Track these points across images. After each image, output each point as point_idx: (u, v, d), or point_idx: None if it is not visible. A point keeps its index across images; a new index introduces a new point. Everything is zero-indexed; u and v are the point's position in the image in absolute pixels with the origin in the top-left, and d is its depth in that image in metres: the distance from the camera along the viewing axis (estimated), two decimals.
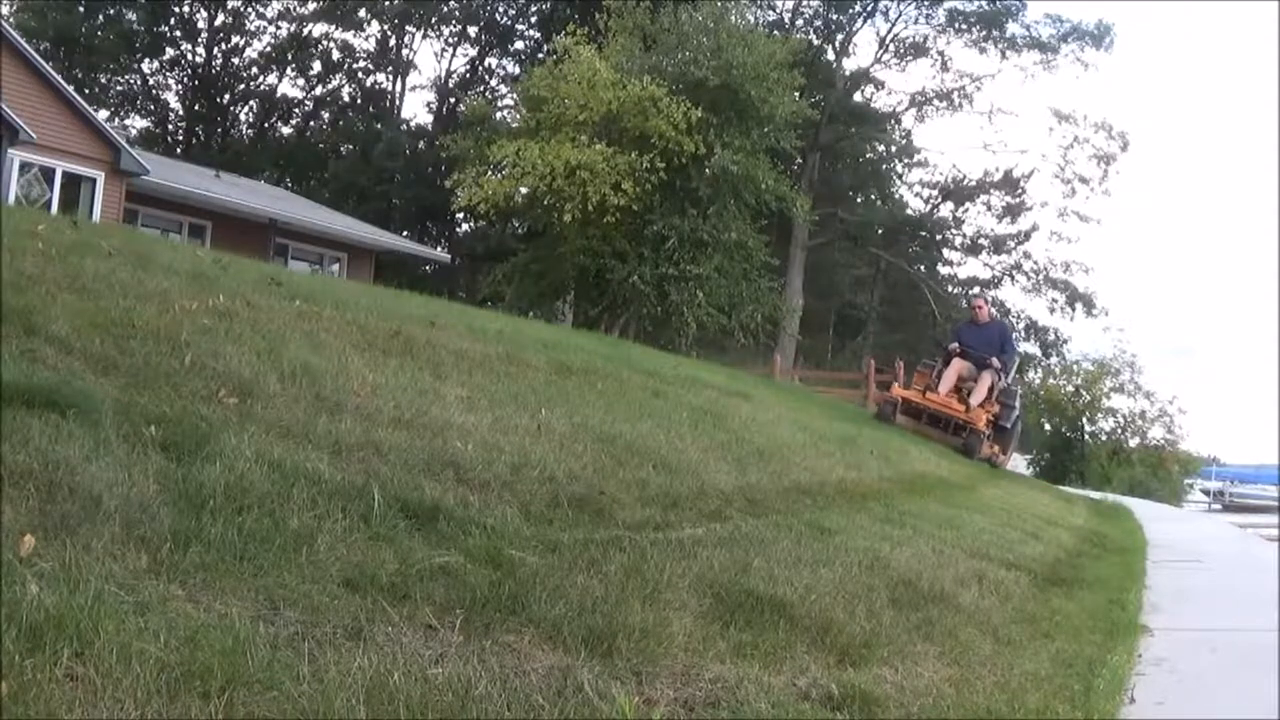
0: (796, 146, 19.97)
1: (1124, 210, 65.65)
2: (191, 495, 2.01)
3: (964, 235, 35.07)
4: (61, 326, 2.86)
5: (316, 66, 39.55)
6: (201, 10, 37.25)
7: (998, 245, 34.54)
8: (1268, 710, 2.51)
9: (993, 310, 16.00)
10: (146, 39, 36.79)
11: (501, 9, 37.05)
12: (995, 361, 11.26)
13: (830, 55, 31.52)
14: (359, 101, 40.54)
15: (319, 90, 40.64)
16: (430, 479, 2.62)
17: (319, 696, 1.45)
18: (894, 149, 33.27)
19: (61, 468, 1.90)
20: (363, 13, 36.76)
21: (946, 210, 34.94)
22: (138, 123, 38.67)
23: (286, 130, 41.52)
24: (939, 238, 35.14)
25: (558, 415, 3.79)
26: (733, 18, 19.03)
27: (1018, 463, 18.69)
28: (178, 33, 37.70)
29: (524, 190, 18.14)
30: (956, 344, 11.71)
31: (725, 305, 17.99)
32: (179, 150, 35.32)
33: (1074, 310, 33.46)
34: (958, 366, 11.40)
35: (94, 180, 18.21)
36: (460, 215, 29.57)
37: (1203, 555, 6.31)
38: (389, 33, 38.20)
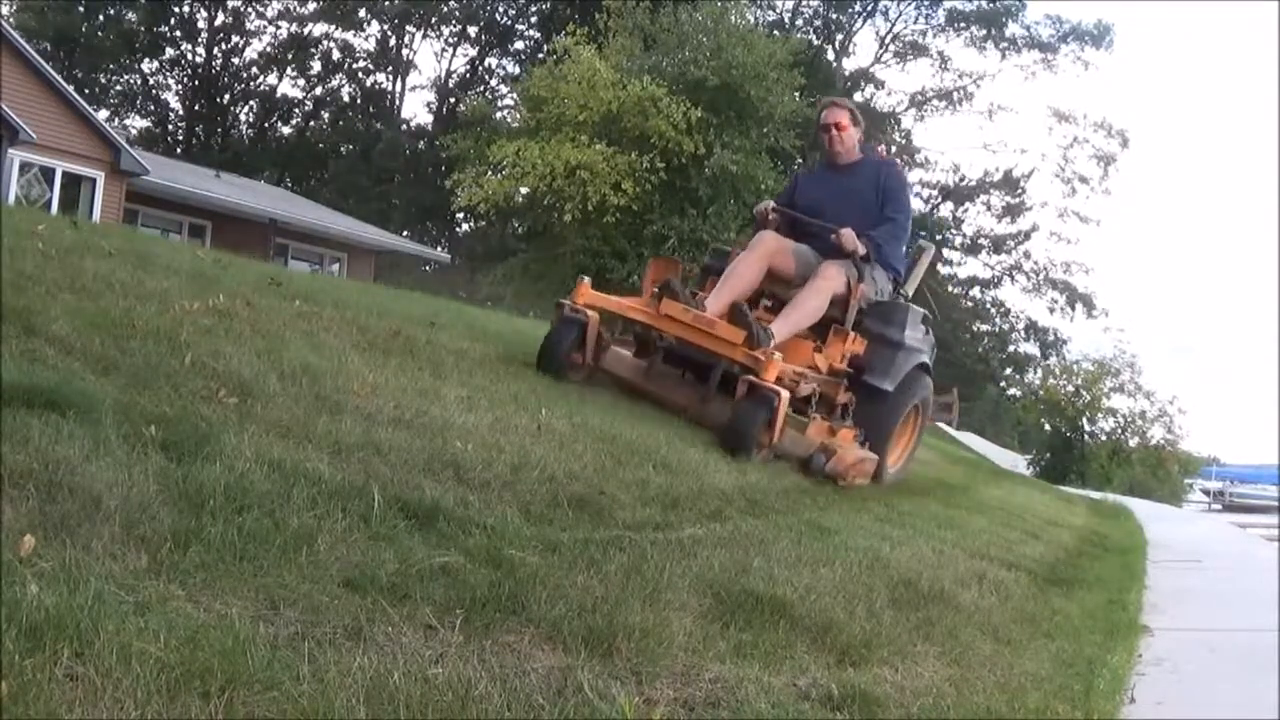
0: (796, 146, 20.00)
1: (1124, 210, 65.71)
2: (191, 495, 2.00)
3: (964, 235, 35.10)
4: (61, 326, 2.86)
5: (316, 66, 39.58)
6: (201, 10, 37.28)
7: (998, 245, 34.59)
8: (1268, 710, 2.51)
9: (877, 146, 6.49)
10: (146, 39, 36.85)
11: (501, 9, 37.10)
12: (851, 240, 5.04)
13: (830, 55, 31.54)
14: (359, 101, 40.58)
15: (319, 90, 40.68)
16: (430, 479, 2.62)
17: (319, 696, 1.45)
18: (894, 149, 33.30)
19: (61, 468, 1.90)
20: (363, 13, 36.77)
21: (946, 210, 34.96)
22: (138, 123, 38.75)
23: (286, 130, 41.55)
24: (939, 238, 35.16)
25: (558, 415, 3.79)
26: (733, 18, 19.05)
27: (1016, 463, 18.57)
28: (178, 33, 37.76)
29: (524, 190, 18.19)
30: (769, 204, 5.47)
31: None
32: (179, 150, 35.35)
33: (1074, 310, 33.52)
34: (770, 252, 5.16)
35: (94, 180, 18.24)
36: (460, 215, 29.59)
37: (1203, 555, 6.31)
38: (389, 33, 38.21)
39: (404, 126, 38.50)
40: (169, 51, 38.02)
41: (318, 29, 38.19)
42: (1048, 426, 20.12)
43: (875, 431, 5.18)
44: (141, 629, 1.45)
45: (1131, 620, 3.57)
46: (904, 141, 33.45)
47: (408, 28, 37.66)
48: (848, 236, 5.06)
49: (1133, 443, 19.35)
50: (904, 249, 5.59)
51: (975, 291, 36.12)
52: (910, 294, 5.76)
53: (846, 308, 5.11)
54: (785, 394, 4.39)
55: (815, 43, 29.82)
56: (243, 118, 40.97)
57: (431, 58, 65.98)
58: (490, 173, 18.52)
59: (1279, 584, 4.78)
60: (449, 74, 38.98)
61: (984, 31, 30.56)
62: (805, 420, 4.75)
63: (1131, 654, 3.04)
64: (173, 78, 39.14)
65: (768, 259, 5.16)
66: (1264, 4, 44.00)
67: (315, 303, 4.65)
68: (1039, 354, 33.91)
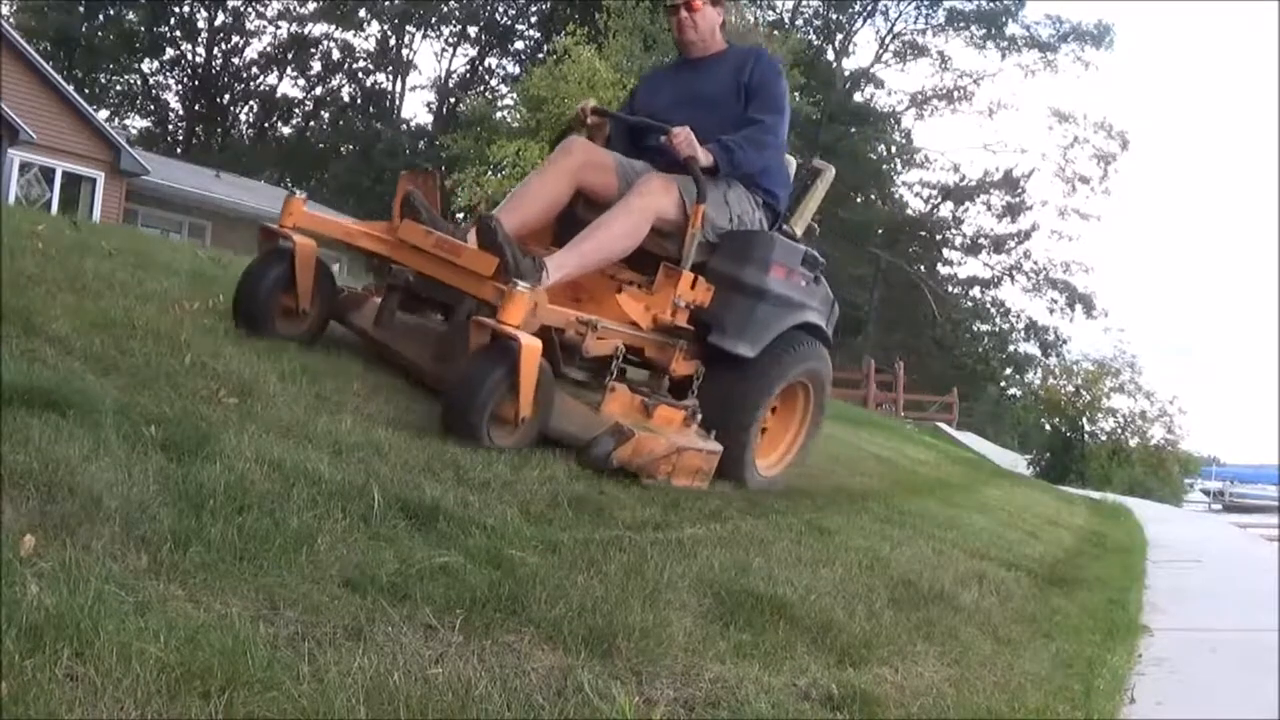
0: (796, 145, 20.00)
1: (1124, 210, 65.74)
2: (191, 495, 2.00)
3: (964, 235, 35.13)
4: (61, 326, 2.86)
5: (316, 66, 39.60)
6: (201, 10, 37.30)
7: (998, 245, 34.63)
8: (1268, 710, 2.51)
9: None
10: (146, 39, 36.89)
11: (501, 9, 37.12)
12: (686, 142, 3.62)
13: (830, 55, 31.56)
14: (359, 101, 40.62)
15: (319, 90, 40.71)
16: (430, 479, 2.62)
17: (319, 696, 1.45)
18: (894, 149, 33.31)
19: (61, 468, 1.90)
20: (363, 13, 36.78)
21: (946, 210, 34.98)
22: (138, 123, 38.78)
23: (286, 130, 41.55)
24: (939, 238, 35.20)
25: None
26: (732, 18, 19.06)
27: (1016, 463, 18.55)
28: (178, 33, 37.79)
29: None
30: (589, 103, 4.11)
31: None
32: (179, 150, 35.35)
33: (1074, 310, 33.57)
34: (578, 164, 3.75)
35: (94, 180, 18.26)
36: (460, 215, 29.60)
37: (1203, 555, 6.31)
38: (389, 33, 38.22)
39: (404, 126, 38.53)
40: (169, 51, 38.05)
41: (318, 29, 38.25)
42: (1048, 426, 20.13)
43: (730, 415, 3.80)
44: (141, 629, 1.44)
45: (1131, 620, 3.58)
46: (904, 141, 33.45)
47: (408, 28, 37.67)
48: (682, 137, 3.63)
49: (1133, 443, 19.35)
50: (783, 164, 4.15)
51: (975, 291, 36.16)
52: (800, 231, 4.29)
53: (688, 244, 3.66)
54: (534, 344, 3.00)
55: (815, 43, 29.83)
56: (243, 118, 41.01)
57: (431, 58, 65.99)
58: (490, 173, 18.54)
59: (1279, 584, 4.78)
60: (449, 74, 39.01)
61: (984, 31, 30.57)
62: (605, 391, 3.44)
63: (1131, 654, 3.04)
64: (173, 78, 39.19)
65: (573, 174, 3.73)
66: (1264, 4, 44.06)
67: None
68: (1039, 354, 33.97)
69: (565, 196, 3.75)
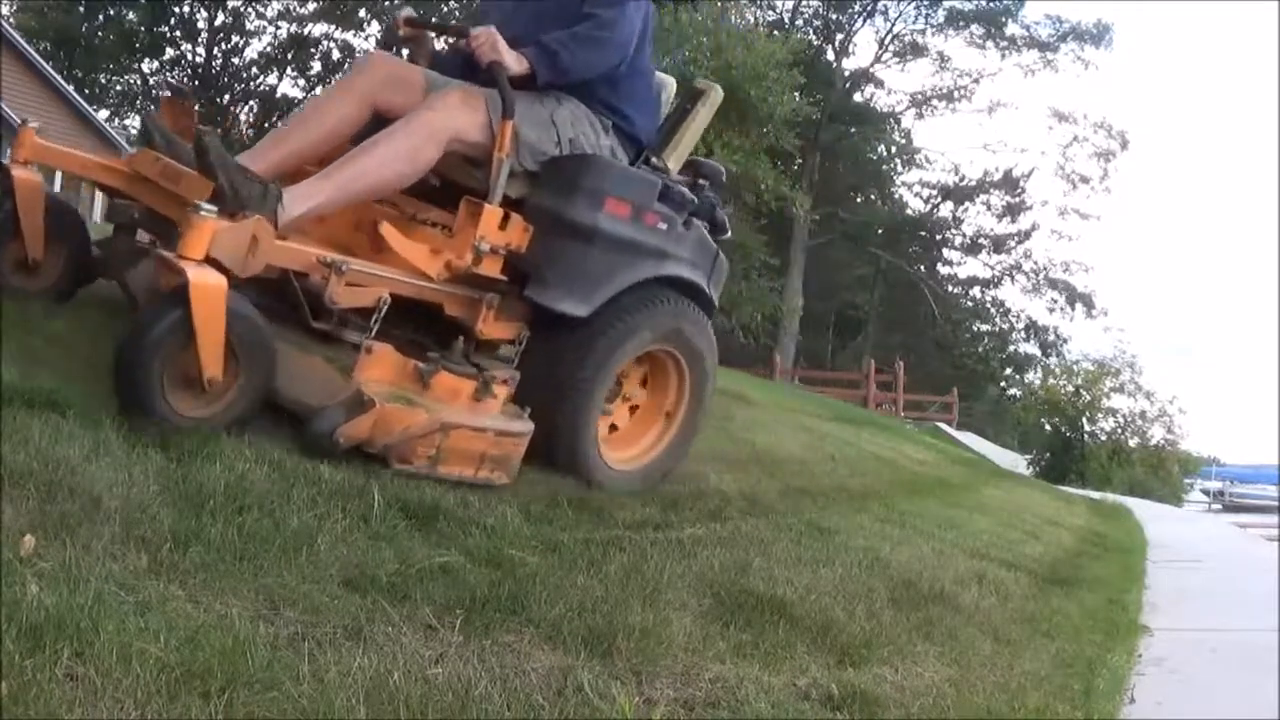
0: (796, 146, 20.00)
1: (1124, 209, 65.73)
2: (191, 495, 2.01)
3: (964, 235, 35.09)
4: (62, 327, 2.86)
5: (316, 66, 39.57)
6: (201, 10, 37.27)
7: (998, 245, 34.56)
8: (1268, 710, 2.51)
9: None
10: (146, 39, 36.84)
11: None
12: (488, 45, 2.84)
13: (830, 55, 31.52)
14: None
15: (319, 90, 40.66)
16: (430, 479, 2.62)
17: (319, 696, 1.45)
18: (894, 149, 33.24)
19: (61, 468, 1.90)
20: (363, 13, 36.76)
21: (946, 210, 34.94)
22: (138, 123, 38.71)
23: None
24: (939, 238, 35.15)
25: None
26: (733, 17, 19.05)
27: (1016, 463, 18.58)
28: (178, 33, 37.74)
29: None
30: (404, 13, 3.28)
31: (724, 305, 18.00)
32: None
33: (1074, 310, 33.51)
34: (378, 81, 3.00)
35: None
36: None
37: (1203, 555, 6.32)
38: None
39: None
40: (169, 51, 38.04)
41: (318, 29, 38.24)
42: (1048, 426, 20.10)
43: (559, 390, 3.05)
44: (141, 629, 1.45)
45: (1131, 620, 3.58)
46: (904, 141, 33.42)
47: None
48: (482, 38, 2.89)
49: (1133, 443, 19.33)
50: (646, 82, 3.35)
51: (975, 291, 36.13)
52: (676, 166, 3.51)
53: (497, 173, 2.91)
54: (209, 282, 2.34)
55: (815, 43, 29.79)
56: (243, 118, 40.98)
57: None
58: None
59: (1279, 584, 4.78)
60: None
61: (983, 31, 30.55)
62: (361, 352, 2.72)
63: (1131, 654, 3.04)
64: (173, 78, 39.18)
65: (368, 93, 3.02)
66: (1264, 4, 44.11)
67: None
68: (1039, 354, 33.90)
69: (357, 120, 3.02)
